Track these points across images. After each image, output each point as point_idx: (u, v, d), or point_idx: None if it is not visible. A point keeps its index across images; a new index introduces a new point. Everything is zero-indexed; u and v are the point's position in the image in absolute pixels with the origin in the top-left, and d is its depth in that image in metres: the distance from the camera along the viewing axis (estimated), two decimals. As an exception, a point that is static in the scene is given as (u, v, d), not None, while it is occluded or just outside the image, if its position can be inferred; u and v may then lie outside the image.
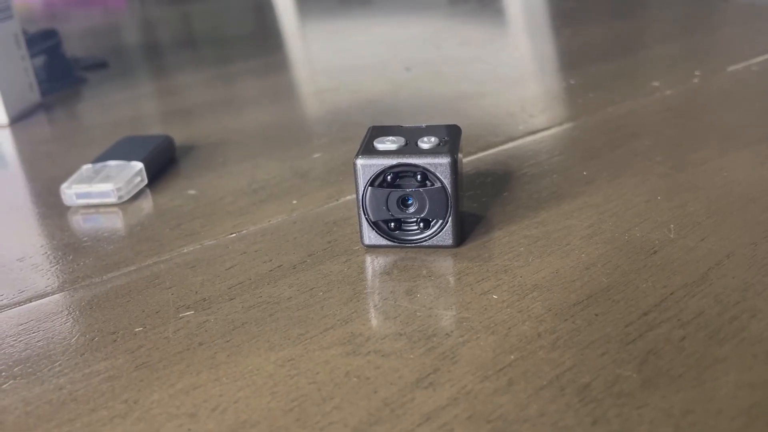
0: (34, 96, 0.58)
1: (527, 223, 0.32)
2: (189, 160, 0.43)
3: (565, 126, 0.44)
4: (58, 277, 0.30)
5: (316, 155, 0.42)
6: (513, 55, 0.67)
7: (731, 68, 0.54)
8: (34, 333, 0.26)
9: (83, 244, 0.33)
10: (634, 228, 0.30)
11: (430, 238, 0.30)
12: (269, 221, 0.34)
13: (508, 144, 0.42)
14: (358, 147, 0.30)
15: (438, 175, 0.28)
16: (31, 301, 0.29)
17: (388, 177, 0.29)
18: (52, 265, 0.31)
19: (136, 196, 0.38)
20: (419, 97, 0.54)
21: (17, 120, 0.55)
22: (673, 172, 0.36)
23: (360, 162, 0.29)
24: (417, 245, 0.30)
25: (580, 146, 0.41)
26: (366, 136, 0.31)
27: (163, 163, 0.42)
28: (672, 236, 0.30)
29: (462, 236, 0.30)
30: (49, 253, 0.33)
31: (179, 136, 0.46)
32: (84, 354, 0.25)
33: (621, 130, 0.43)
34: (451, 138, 0.30)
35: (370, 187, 0.29)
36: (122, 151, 0.41)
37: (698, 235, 0.29)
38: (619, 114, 0.46)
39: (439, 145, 0.29)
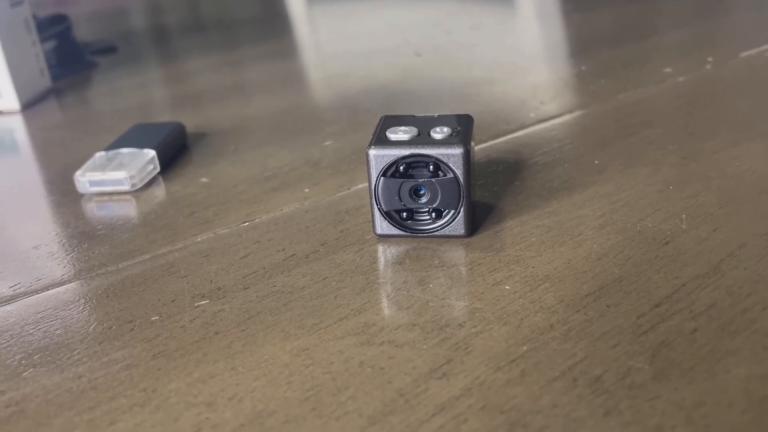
0: (45, 81, 0.58)
1: (539, 213, 0.32)
2: (201, 147, 0.44)
3: (577, 113, 0.44)
4: (74, 266, 0.31)
5: (327, 143, 0.43)
6: (523, 41, 0.67)
7: (744, 54, 0.53)
8: (52, 321, 0.27)
9: (98, 232, 0.33)
10: (646, 218, 0.30)
11: (442, 228, 0.30)
12: (282, 210, 0.34)
13: (519, 132, 0.42)
14: (370, 136, 0.30)
15: (450, 165, 0.29)
16: (48, 289, 0.29)
17: (401, 167, 0.29)
18: (67, 253, 0.32)
19: (149, 184, 0.38)
20: (429, 82, 0.54)
21: (29, 106, 0.55)
22: (685, 161, 0.36)
23: (372, 152, 0.29)
24: (429, 235, 0.30)
25: (591, 134, 0.41)
26: (378, 125, 0.31)
27: (175, 150, 0.42)
28: (684, 227, 0.30)
29: (474, 226, 0.31)
30: (64, 241, 0.33)
31: (190, 122, 0.47)
32: (102, 342, 0.25)
33: (633, 117, 0.42)
34: (463, 128, 0.30)
35: (382, 177, 0.29)
36: (134, 138, 0.41)
37: (710, 225, 0.29)
38: (631, 101, 0.45)
39: (451, 135, 0.29)
